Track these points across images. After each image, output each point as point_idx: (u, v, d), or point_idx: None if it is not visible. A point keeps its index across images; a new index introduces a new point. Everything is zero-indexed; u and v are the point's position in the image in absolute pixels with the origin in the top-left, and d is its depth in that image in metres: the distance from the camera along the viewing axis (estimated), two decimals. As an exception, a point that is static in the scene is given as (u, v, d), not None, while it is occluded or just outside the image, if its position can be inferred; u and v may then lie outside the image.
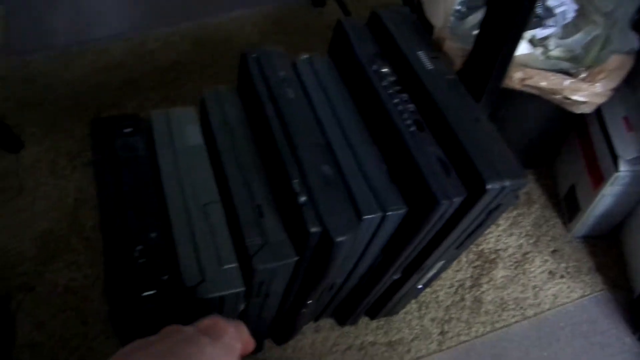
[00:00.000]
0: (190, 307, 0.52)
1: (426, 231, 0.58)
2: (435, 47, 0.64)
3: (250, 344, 0.42)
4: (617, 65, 0.67)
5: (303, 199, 0.53)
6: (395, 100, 0.60)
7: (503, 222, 0.98)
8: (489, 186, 0.52)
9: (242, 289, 0.52)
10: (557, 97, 0.68)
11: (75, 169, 1.01)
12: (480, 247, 0.95)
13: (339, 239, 0.52)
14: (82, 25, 1.26)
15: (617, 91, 0.71)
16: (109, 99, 1.11)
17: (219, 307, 0.54)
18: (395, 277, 0.71)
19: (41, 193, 0.98)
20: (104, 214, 0.55)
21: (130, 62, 1.17)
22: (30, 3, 1.29)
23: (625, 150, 0.79)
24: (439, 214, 0.54)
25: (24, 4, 1.29)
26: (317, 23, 1.28)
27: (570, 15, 0.75)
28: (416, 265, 0.68)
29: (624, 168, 0.78)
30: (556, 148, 0.99)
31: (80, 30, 1.25)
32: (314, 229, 0.52)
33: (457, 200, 0.53)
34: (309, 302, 0.68)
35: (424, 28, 0.67)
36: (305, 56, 0.67)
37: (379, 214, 0.54)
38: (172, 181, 0.58)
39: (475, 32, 0.72)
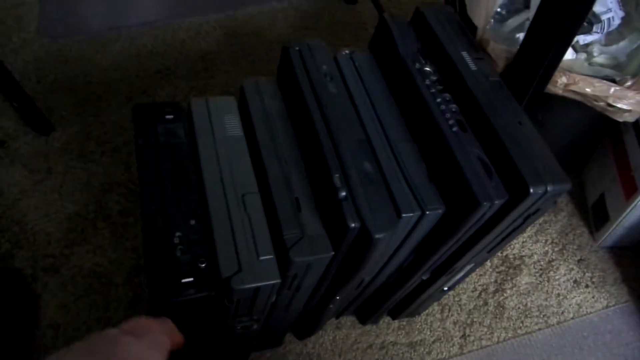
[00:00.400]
0: (227, 295, 0.52)
1: (462, 232, 0.57)
2: (478, 48, 0.64)
3: (178, 337, 0.44)
4: (663, 74, 0.67)
5: (343, 194, 0.53)
6: (438, 100, 0.60)
7: (529, 228, 0.97)
8: (532, 190, 0.52)
9: (278, 280, 0.52)
10: (601, 104, 0.67)
11: (104, 154, 1.02)
12: (505, 253, 0.95)
13: (378, 235, 0.52)
14: (115, 12, 1.27)
15: (659, 101, 0.70)
16: (140, 86, 1.12)
17: (253, 297, 0.54)
18: (424, 277, 0.71)
19: (70, 176, 0.99)
20: (145, 199, 0.55)
21: (161, 51, 1.18)
22: (64, -13, 1.30)
23: (662, 161, 0.78)
24: (479, 216, 0.54)
25: (58, -12, 1.30)
26: (348, 19, 1.27)
27: (617, 22, 0.74)
28: (446, 267, 0.67)
29: (660, 179, 0.77)
30: (588, 156, 0.98)
31: (114, 16, 1.26)
32: (353, 224, 0.52)
33: (499, 202, 0.53)
34: (337, 298, 0.68)
35: (467, 28, 0.67)
36: (346, 51, 0.67)
37: (418, 213, 0.54)
38: (212, 170, 0.58)
39: (517, 34, 0.71)
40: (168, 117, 0.61)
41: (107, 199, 0.96)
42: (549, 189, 0.53)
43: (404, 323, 0.87)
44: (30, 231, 0.92)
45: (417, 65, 0.63)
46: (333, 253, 0.54)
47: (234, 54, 1.19)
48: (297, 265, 0.54)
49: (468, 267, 0.71)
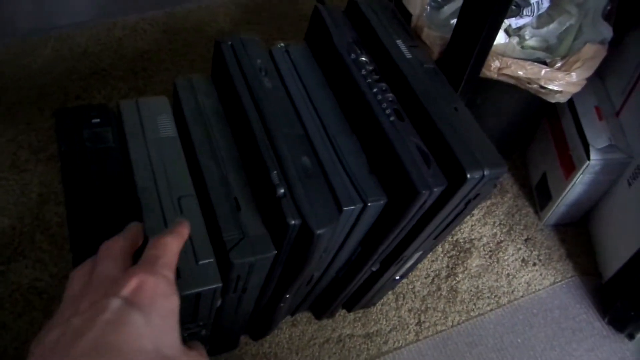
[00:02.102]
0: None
1: (406, 222, 0.57)
2: (413, 35, 0.64)
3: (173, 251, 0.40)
4: (591, 54, 0.68)
5: (281, 191, 0.52)
6: (375, 90, 0.59)
7: (477, 211, 0.99)
8: (469, 175, 0.52)
9: (219, 284, 0.51)
10: (534, 86, 0.69)
11: (39, 163, 0.96)
12: (455, 237, 0.96)
13: (319, 231, 0.51)
14: (44, 12, 1.20)
15: (589, 81, 0.72)
16: (75, 90, 1.06)
17: (195, 303, 0.52)
18: (374, 268, 0.71)
19: (3, 188, 0.93)
20: (72, 209, 0.52)
21: (96, 51, 1.13)
22: (-14, -12, 1.22)
23: (596, 139, 0.81)
24: (419, 204, 0.54)
25: (-21, -11, 1.22)
26: (290, 12, 1.25)
27: (545, 5, 0.76)
28: (394, 257, 0.67)
29: (595, 157, 0.80)
30: (528, 137, 1.00)
31: (43, 17, 1.19)
32: (293, 222, 0.51)
33: (438, 190, 0.53)
34: (287, 296, 0.67)
35: (401, 16, 0.66)
36: (281, 44, 0.65)
37: (359, 205, 0.54)
38: (144, 174, 0.55)
39: (452, 21, 0.72)
40: (94, 120, 0.58)
41: (44, 210, 0.92)
42: (485, 173, 0.53)
43: (360, 315, 0.87)
44: (-39, 249, 0.86)
45: (353, 56, 0.62)
46: (275, 252, 0.53)
47: (173, 51, 1.15)
48: (239, 267, 0.52)
49: (417, 255, 0.71)
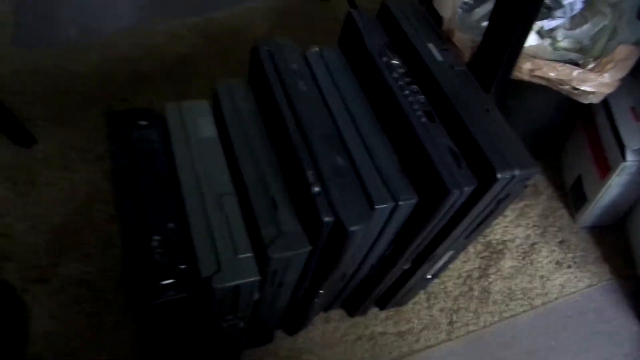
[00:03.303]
0: (208, 296, 0.53)
1: (437, 221, 0.59)
2: (444, 38, 0.65)
3: None
4: (624, 55, 0.68)
5: (316, 189, 0.54)
6: (406, 92, 0.61)
7: (510, 213, 0.99)
8: (499, 175, 0.53)
9: (258, 277, 0.54)
10: (566, 87, 0.69)
11: (87, 163, 1.02)
12: (488, 239, 0.96)
13: (352, 228, 0.53)
14: (90, 19, 1.27)
15: (624, 82, 0.72)
16: (118, 93, 1.12)
17: (235, 295, 0.55)
18: (405, 267, 0.72)
19: (54, 187, 0.99)
20: (122, 206, 0.56)
21: (138, 56, 1.18)
22: (38, -2, 1.30)
23: (632, 139, 0.80)
24: (450, 204, 0.55)
25: None
26: (323, 16, 1.28)
27: (578, 6, 0.76)
28: (426, 255, 0.69)
29: (631, 158, 0.79)
30: (563, 139, 1.00)
31: (89, 23, 1.26)
32: (327, 219, 0.53)
33: (468, 189, 0.54)
34: (320, 292, 0.69)
35: (433, 20, 0.68)
36: (315, 48, 0.68)
37: (391, 204, 0.55)
38: (188, 173, 0.59)
39: (483, 24, 0.73)
40: (142, 123, 0.62)
41: (92, 208, 0.97)
42: (516, 173, 0.54)
43: (392, 313, 0.88)
44: (17, 243, 0.93)
45: (385, 59, 0.64)
46: (310, 248, 0.56)
47: (211, 56, 1.19)
48: (276, 262, 0.55)
49: (448, 254, 0.72)
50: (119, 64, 1.17)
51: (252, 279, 0.53)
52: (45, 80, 1.14)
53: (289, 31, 1.24)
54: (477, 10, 0.80)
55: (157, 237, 0.54)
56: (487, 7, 0.79)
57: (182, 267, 0.53)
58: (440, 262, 0.74)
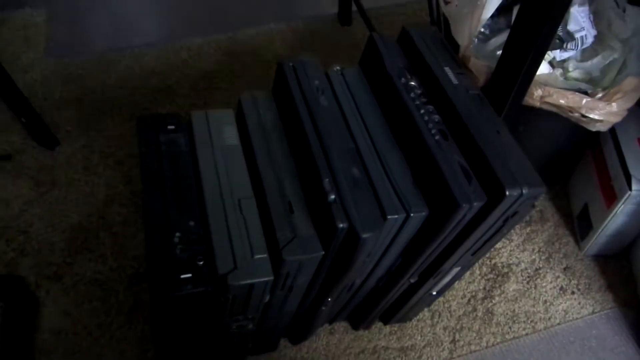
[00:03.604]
0: (223, 292, 0.56)
1: (446, 234, 0.61)
2: (461, 64, 0.68)
3: None
4: (632, 87, 0.71)
5: (332, 197, 0.57)
6: (422, 111, 0.64)
7: (516, 237, 1.01)
8: (508, 192, 0.56)
9: (271, 277, 0.56)
10: (575, 115, 0.72)
11: (107, 167, 1.06)
12: (494, 261, 0.98)
13: (365, 235, 0.55)
14: (120, 33, 1.33)
15: (631, 112, 0.75)
16: (142, 103, 1.16)
17: (248, 294, 0.58)
18: (412, 280, 0.74)
19: (74, 188, 1.03)
20: (147, 203, 0.59)
21: (164, 70, 1.23)
22: (71, 9, 1.37)
23: (638, 169, 0.82)
24: (459, 217, 0.58)
25: (66, 10, 1.36)
26: (343, 40, 1.33)
27: (590, 40, 0.79)
28: (433, 270, 0.71)
29: (636, 187, 0.81)
30: (571, 167, 1.02)
31: (118, 37, 1.31)
32: (341, 225, 0.56)
33: (477, 204, 0.57)
34: (329, 299, 0.71)
35: (450, 46, 0.71)
36: (337, 67, 0.71)
37: (403, 215, 0.58)
38: (210, 176, 0.62)
39: (498, 52, 0.76)
40: (170, 127, 0.66)
41: (109, 210, 1.00)
42: (524, 191, 0.56)
43: (396, 328, 0.90)
44: (35, 240, 0.96)
45: (403, 80, 0.67)
46: (323, 252, 0.58)
47: (233, 73, 1.24)
48: (289, 264, 0.57)
49: (455, 271, 0.74)
50: (145, 77, 1.22)
51: (266, 278, 0.56)
52: (73, 88, 1.19)
53: (308, 53, 1.29)
54: (492, 40, 0.84)
55: (178, 234, 0.57)
56: (502, 38, 0.83)
57: (201, 263, 0.55)
58: (447, 279, 0.76)
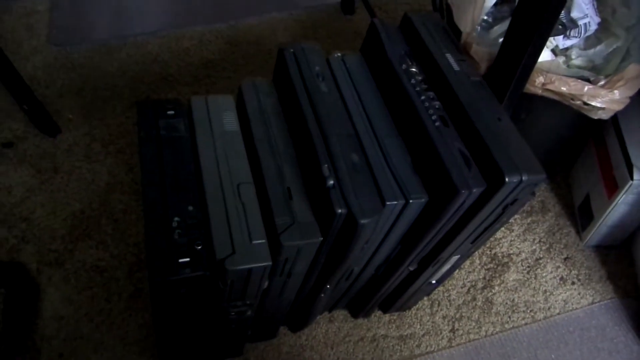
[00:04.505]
0: (221, 277, 0.56)
1: (445, 220, 0.61)
2: (462, 50, 0.68)
3: None
4: (635, 74, 0.70)
5: (331, 182, 0.57)
6: (422, 97, 0.64)
7: (517, 227, 1.01)
8: (507, 179, 0.55)
9: (269, 263, 0.56)
10: (577, 102, 0.71)
11: (109, 155, 1.06)
12: (494, 251, 0.98)
13: (363, 221, 0.55)
14: (122, 21, 1.32)
15: (634, 101, 0.74)
16: (144, 92, 1.16)
17: (246, 279, 0.58)
18: (412, 268, 0.74)
19: (75, 176, 1.03)
20: (146, 187, 0.59)
21: (165, 58, 1.23)
22: (73, -2, 1.36)
23: (640, 159, 0.82)
24: (459, 204, 0.58)
25: (68, -1, 1.36)
26: (346, 29, 1.32)
27: (593, 27, 0.79)
28: (432, 257, 0.71)
29: (638, 177, 0.81)
30: (573, 157, 1.01)
31: (120, 25, 1.31)
32: (340, 210, 0.56)
33: (477, 190, 0.56)
34: (327, 286, 0.71)
35: (452, 33, 0.71)
36: (338, 54, 0.71)
37: (402, 201, 0.58)
38: (209, 161, 0.62)
39: (500, 39, 0.76)
40: (169, 112, 0.65)
41: (110, 197, 1.00)
42: (524, 178, 0.56)
43: (395, 317, 0.90)
44: (37, 227, 0.96)
45: (404, 66, 0.67)
46: (322, 238, 0.58)
47: (235, 61, 1.24)
48: (288, 249, 0.57)
49: (454, 259, 0.74)
50: (147, 65, 1.22)
51: (264, 264, 0.56)
52: (75, 76, 1.19)
53: (310, 42, 1.28)
54: (495, 28, 0.83)
55: (177, 219, 0.57)
56: (505, 26, 0.82)
57: (199, 247, 0.55)
58: (446, 267, 0.76)
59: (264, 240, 0.57)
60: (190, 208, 0.58)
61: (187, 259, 0.54)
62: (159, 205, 0.58)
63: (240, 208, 0.59)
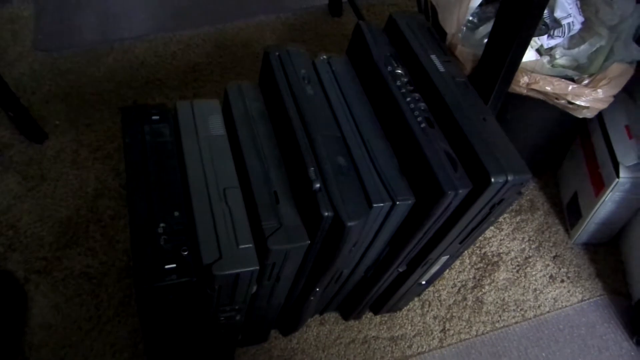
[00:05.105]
0: (208, 282, 0.56)
1: (432, 221, 0.61)
2: (447, 52, 0.68)
3: None
4: (618, 73, 0.71)
5: (317, 185, 0.57)
6: (408, 99, 0.64)
7: (506, 226, 1.01)
8: (493, 179, 0.55)
9: (257, 267, 0.56)
10: (561, 101, 0.72)
11: (96, 160, 1.05)
12: (483, 250, 0.98)
13: (350, 223, 0.55)
14: (108, 25, 1.31)
15: (619, 100, 0.75)
16: (132, 96, 1.16)
17: (234, 284, 0.58)
18: (401, 269, 0.74)
19: (63, 182, 1.02)
20: (132, 193, 0.59)
21: (153, 62, 1.22)
22: (59, 3, 1.35)
23: (625, 157, 0.82)
24: (445, 205, 0.58)
25: (53, 3, 1.35)
26: (334, 31, 1.33)
27: (577, 27, 0.79)
28: (421, 258, 0.71)
29: (624, 174, 0.81)
30: (560, 156, 1.02)
31: (107, 30, 1.30)
32: (326, 213, 0.55)
33: (463, 191, 0.57)
34: (316, 289, 0.71)
35: (437, 34, 0.71)
36: (324, 56, 0.71)
37: (389, 203, 0.58)
38: (195, 166, 0.62)
39: (485, 41, 0.76)
40: (154, 117, 0.65)
41: (98, 203, 1.00)
42: (509, 178, 0.56)
43: (386, 318, 0.90)
44: (24, 235, 0.95)
45: (389, 68, 0.67)
46: (309, 242, 0.58)
47: (223, 65, 1.23)
48: (275, 254, 0.57)
49: (443, 259, 0.74)
50: (134, 70, 1.21)
51: (252, 268, 0.55)
52: (61, 82, 1.18)
53: (298, 44, 1.28)
54: (480, 29, 0.83)
55: (162, 225, 0.57)
56: (490, 27, 0.83)
57: (185, 253, 0.55)
58: (435, 267, 0.76)
59: (251, 245, 0.57)
60: (176, 213, 0.58)
61: (174, 265, 0.54)
62: (144, 212, 0.57)
63: (227, 212, 0.59)
